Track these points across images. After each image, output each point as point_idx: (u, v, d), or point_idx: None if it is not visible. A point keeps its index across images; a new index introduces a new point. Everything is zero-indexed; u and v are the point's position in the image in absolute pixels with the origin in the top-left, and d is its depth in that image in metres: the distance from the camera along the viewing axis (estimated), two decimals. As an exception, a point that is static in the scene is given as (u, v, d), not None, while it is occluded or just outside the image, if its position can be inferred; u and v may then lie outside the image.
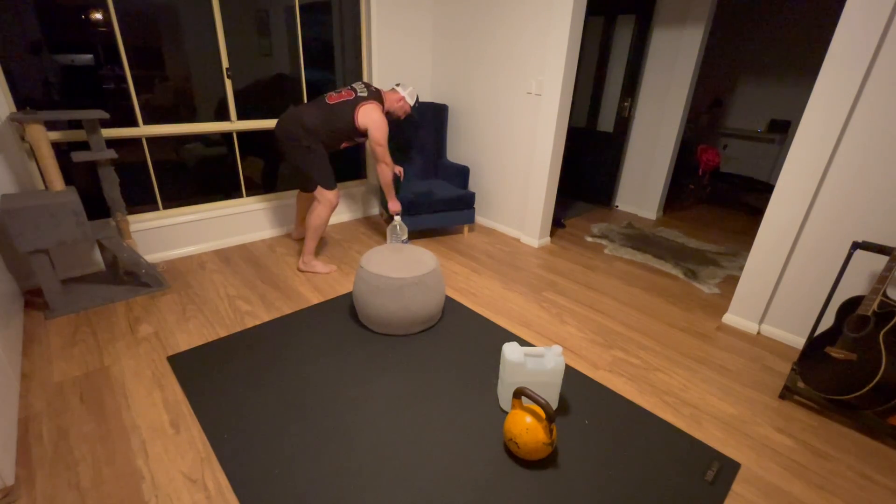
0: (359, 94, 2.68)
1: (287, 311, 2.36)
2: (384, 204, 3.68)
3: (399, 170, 3.17)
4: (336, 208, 3.05)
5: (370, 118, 2.63)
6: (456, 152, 3.87)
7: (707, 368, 2.09)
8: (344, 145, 2.78)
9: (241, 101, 2.98)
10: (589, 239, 3.64)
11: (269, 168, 3.32)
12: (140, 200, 2.79)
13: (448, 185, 3.51)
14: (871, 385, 1.60)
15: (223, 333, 2.15)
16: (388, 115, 2.84)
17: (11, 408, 1.57)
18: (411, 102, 2.88)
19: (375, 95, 2.72)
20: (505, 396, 1.70)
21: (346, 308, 2.40)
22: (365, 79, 3.58)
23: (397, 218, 2.92)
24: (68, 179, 2.43)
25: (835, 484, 1.51)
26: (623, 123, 4.14)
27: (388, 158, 2.75)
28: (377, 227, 3.61)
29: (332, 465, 1.47)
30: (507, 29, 3.14)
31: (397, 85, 2.89)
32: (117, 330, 2.14)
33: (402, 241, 2.94)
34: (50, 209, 2.00)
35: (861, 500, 1.46)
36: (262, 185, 3.30)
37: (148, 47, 2.58)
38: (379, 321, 2.13)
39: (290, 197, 3.37)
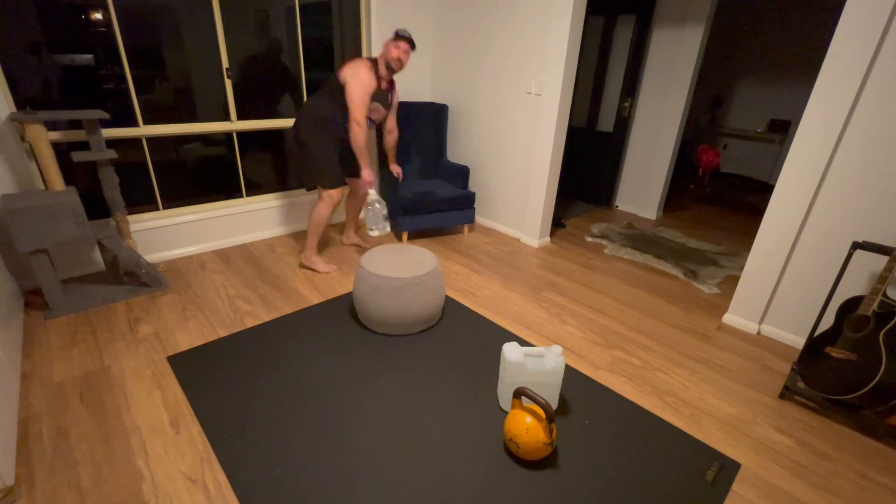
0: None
1: (287, 311, 2.36)
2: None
3: (397, 170, 3.07)
4: (338, 206, 2.88)
5: (351, 71, 2.44)
6: (456, 152, 3.87)
7: (707, 368, 2.09)
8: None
9: (241, 101, 2.98)
10: (589, 239, 3.64)
11: (270, 168, 3.32)
12: (140, 200, 2.79)
13: (448, 185, 3.51)
14: (871, 385, 1.60)
15: (223, 333, 2.15)
16: (390, 70, 2.53)
17: (11, 408, 1.57)
18: (391, 36, 2.53)
19: (364, 59, 2.54)
20: (505, 396, 1.70)
21: (346, 308, 2.40)
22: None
23: (373, 193, 2.62)
24: (68, 179, 2.43)
25: (835, 484, 1.51)
26: (623, 123, 4.14)
27: (362, 117, 2.46)
28: (377, 227, 3.61)
29: (332, 464, 1.47)
30: (508, 29, 3.14)
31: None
32: (117, 330, 2.14)
33: (383, 219, 2.64)
34: (50, 209, 1.99)
35: (861, 500, 1.46)
36: (263, 185, 3.30)
37: (148, 47, 2.58)
38: (379, 321, 2.13)
39: (290, 196, 3.37)
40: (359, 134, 2.48)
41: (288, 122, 3.23)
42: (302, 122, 2.54)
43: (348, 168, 2.74)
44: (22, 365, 1.88)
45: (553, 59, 2.91)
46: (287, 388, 1.80)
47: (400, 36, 2.48)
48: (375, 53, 3.41)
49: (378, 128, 3.43)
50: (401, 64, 2.51)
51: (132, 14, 2.46)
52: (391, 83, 2.68)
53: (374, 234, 2.71)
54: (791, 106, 5.22)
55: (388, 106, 2.70)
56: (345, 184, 2.68)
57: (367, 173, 2.61)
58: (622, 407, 1.80)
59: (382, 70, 2.53)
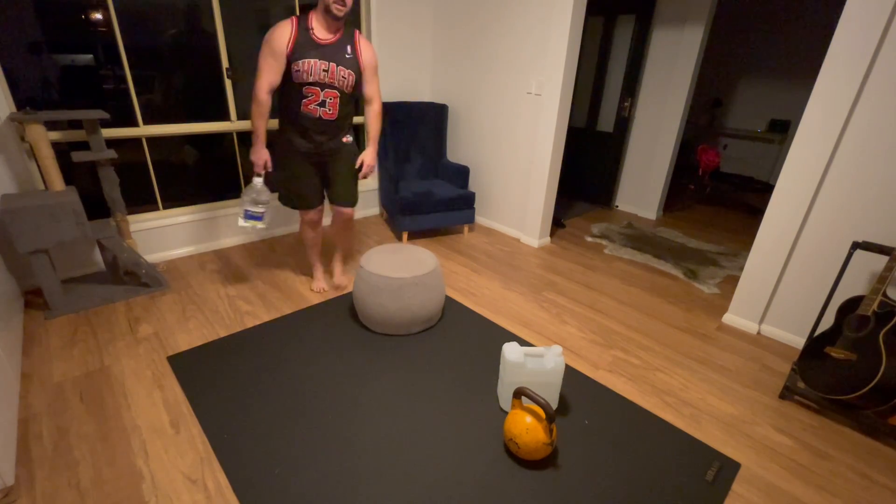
0: None
1: (287, 311, 2.36)
2: (385, 203, 3.67)
3: (366, 160, 2.21)
4: (313, 224, 2.37)
5: None
6: (456, 152, 3.87)
7: (707, 368, 2.09)
8: (307, 106, 2.02)
9: (242, 101, 2.97)
10: (589, 239, 3.64)
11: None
12: (140, 200, 2.79)
13: (448, 185, 3.51)
14: (871, 385, 1.60)
15: (223, 333, 2.15)
16: (331, 15, 1.90)
17: (11, 408, 1.57)
18: None
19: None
20: (505, 396, 1.70)
21: (346, 308, 2.40)
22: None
23: (258, 181, 2.11)
24: (68, 179, 2.43)
25: (835, 484, 1.51)
26: (623, 123, 4.14)
27: (257, 81, 1.94)
28: (377, 228, 3.61)
29: (332, 464, 1.47)
30: (508, 29, 3.14)
31: None
32: (117, 330, 2.14)
33: (256, 212, 2.14)
34: (50, 209, 1.99)
35: (861, 500, 1.46)
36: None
37: (148, 47, 2.58)
38: (379, 321, 2.13)
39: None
40: (253, 102, 1.97)
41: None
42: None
43: (334, 190, 2.29)
44: (22, 365, 1.88)
45: (553, 59, 2.91)
46: (287, 388, 1.80)
47: None
48: (378, 51, 3.41)
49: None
50: (343, 5, 1.88)
51: (132, 14, 2.46)
52: (347, 35, 2.03)
53: (241, 223, 2.16)
54: (791, 106, 5.22)
55: (349, 64, 2.03)
56: (309, 206, 2.27)
57: (256, 151, 2.06)
58: (622, 407, 1.80)
59: (320, 19, 1.94)
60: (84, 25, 2.36)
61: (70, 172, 2.46)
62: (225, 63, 2.83)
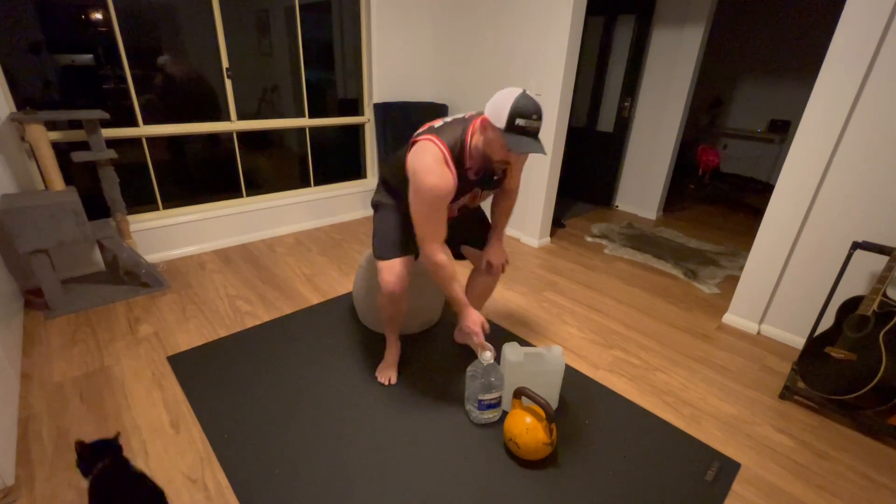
0: (434, 125, 1.50)
1: (287, 311, 2.36)
2: None
3: (497, 258, 1.88)
4: (395, 294, 1.67)
5: (412, 164, 1.42)
6: (456, 152, 3.87)
7: (707, 368, 2.09)
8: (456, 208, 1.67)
9: (242, 101, 2.97)
10: (589, 239, 3.64)
11: (270, 167, 3.32)
12: (140, 200, 2.79)
13: (448, 185, 3.51)
14: (871, 385, 1.60)
15: (223, 333, 2.15)
16: (489, 162, 1.45)
17: (11, 408, 1.57)
18: (501, 121, 1.28)
19: (447, 127, 1.46)
20: (505, 396, 1.70)
21: (346, 308, 2.40)
22: (364, 78, 3.56)
23: (487, 356, 1.55)
24: (68, 179, 2.43)
25: (835, 484, 1.51)
26: (623, 123, 4.14)
27: (430, 246, 1.49)
28: (377, 227, 3.61)
29: (331, 464, 1.47)
30: (507, 29, 3.14)
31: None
32: (117, 330, 2.14)
33: (492, 399, 1.61)
34: (50, 209, 2.00)
35: (861, 500, 1.46)
36: (263, 184, 3.30)
37: (148, 47, 2.58)
38: (379, 321, 2.13)
39: (291, 197, 3.37)
40: (431, 269, 1.55)
41: (287, 123, 3.23)
42: (381, 180, 1.81)
43: (463, 236, 1.89)
44: (22, 365, 1.88)
45: (553, 59, 2.91)
46: (287, 388, 1.80)
47: (518, 130, 1.28)
48: (375, 52, 3.41)
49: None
50: (505, 166, 1.49)
51: (132, 14, 2.46)
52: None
53: (478, 419, 1.66)
54: (791, 106, 5.22)
55: (496, 185, 1.70)
56: (403, 253, 1.67)
57: (467, 319, 1.60)
58: (622, 407, 1.80)
59: (475, 157, 1.47)
60: (84, 25, 2.36)
61: (70, 172, 2.46)
62: (225, 63, 2.83)
